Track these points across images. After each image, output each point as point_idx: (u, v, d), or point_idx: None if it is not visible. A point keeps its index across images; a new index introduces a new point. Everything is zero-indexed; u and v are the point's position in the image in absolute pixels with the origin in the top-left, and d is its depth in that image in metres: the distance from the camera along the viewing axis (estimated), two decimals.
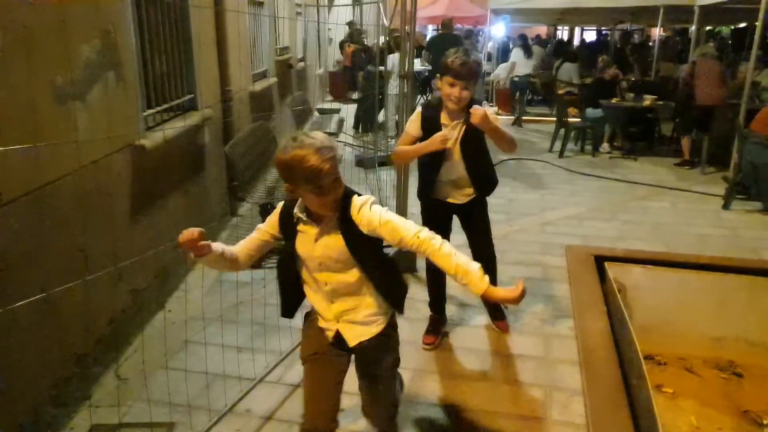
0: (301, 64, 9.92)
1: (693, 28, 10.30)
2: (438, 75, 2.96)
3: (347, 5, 13.82)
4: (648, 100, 8.09)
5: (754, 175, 5.71)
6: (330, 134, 7.70)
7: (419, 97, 9.96)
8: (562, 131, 8.28)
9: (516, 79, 10.66)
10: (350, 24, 13.28)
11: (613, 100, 8.12)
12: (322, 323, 2.06)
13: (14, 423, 2.39)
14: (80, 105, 2.84)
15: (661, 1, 9.58)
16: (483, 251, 3.20)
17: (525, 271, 4.26)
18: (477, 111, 2.75)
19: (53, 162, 2.63)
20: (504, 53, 12.14)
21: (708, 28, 15.28)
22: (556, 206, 5.91)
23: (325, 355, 2.06)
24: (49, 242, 2.61)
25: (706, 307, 2.03)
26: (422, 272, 3.75)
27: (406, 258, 3.97)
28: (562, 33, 20.38)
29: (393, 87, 7.59)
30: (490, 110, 2.87)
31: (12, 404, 2.38)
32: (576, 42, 18.22)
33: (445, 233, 3.21)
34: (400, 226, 1.83)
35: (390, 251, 2.81)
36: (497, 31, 12.78)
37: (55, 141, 2.58)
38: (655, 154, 8.19)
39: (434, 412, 2.77)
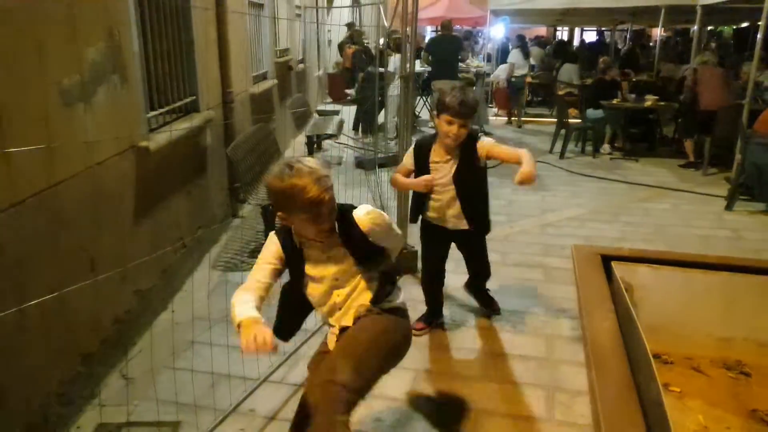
0: (301, 65, 9.93)
1: (694, 28, 10.28)
2: (435, 112, 3.01)
3: (347, 7, 13.83)
4: (649, 100, 8.09)
5: (758, 176, 5.69)
6: (330, 135, 7.75)
7: (418, 98, 9.96)
8: (562, 132, 8.28)
9: (513, 79, 10.68)
10: (350, 25, 13.28)
11: (614, 101, 8.13)
12: (330, 337, 2.08)
13: (23, 421, 2.40)
14: (85, 107, 2.84)
15: (663, 1, 9.57)
16: (479, 271, 3.48)
17: (526, 273, 4.26)
18: (526, 177, 2.65)
19: (59, 164, 2.63)
20: (504, 54, 12.15)
21: (709, 28, 15.25)
22: (556, 207, 5.90)
23: (329, 353, 2.07)
24: (54, 243, 2.61)
25: (714, 307, 2.02)
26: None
27: (406, 259, 3.98)
28: (562, 34, 20.40)
29: (394, 88, 7.59)
30: (488, 140, 2.97)
31: (20, 402, 2.39)
32: (576, 43, 18.24)
33: (442, 258, 3.33)
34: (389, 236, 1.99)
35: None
36: (497, 32, 12.79)
37: (60, 143, 2.58)
38: (657, 155, 8.18)
39: (436, 413, 2.77)
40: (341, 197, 2.08)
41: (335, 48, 13.82)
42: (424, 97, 10.35)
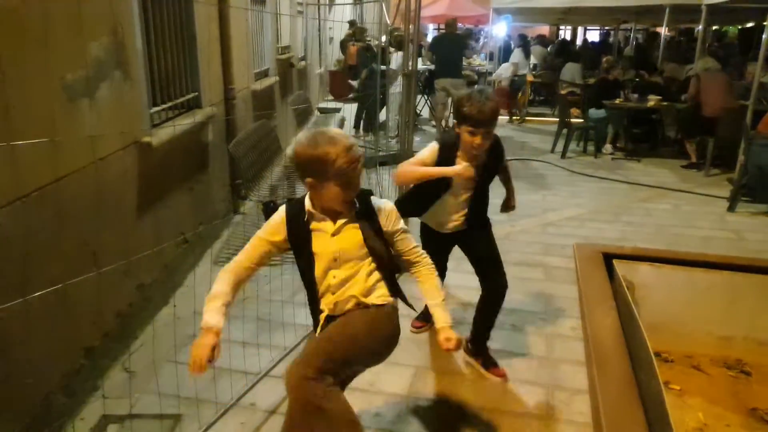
0: (303, 63, 9.92)
1: (699, 27, 10.23)
2: (455, 121, 2.76)
3: (348, 4, 13.81)
4: (652, 101, 8.06)
5: (760, 177, 5.68)
6: None
7: (420, 96, 9.95)
8: (564, 132, 8.27)
9: (515, 78, 10.68)
10: (352, 23, 13.26)
11: (617, 101, 8.12)
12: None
13: (28, 410, 2.43)
14: (89, 103, 2.85)
15: (667, 0, 9.53)
16: (495, 273, 2.92)
17: (526, 272, 4.27)
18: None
19: (63, 159, 2.65)
20: (506, 53, 12.13)
21: (714, 27, 15.18)
22: (557, 207, 5.90)
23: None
24: (58, 237, 2.62)
25: (715, 306, 2.03)
26: None
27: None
28: (565, 33, 20.38)
29: (395, 86, 7.58)
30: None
31: (25, 392, 2.42)
32: (579, 42, 18.22)
33: (443, 256, 3.18)
34: (412, 240, 2.12)
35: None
36: (499, 30, 12.78)
37: (64, 138, 2.59)
38: (659, 155, 8.16)
39: (435, 410, 2.78)
40: None
41: (337, 45, 13.79)
42: (425, 96, 10.35)
